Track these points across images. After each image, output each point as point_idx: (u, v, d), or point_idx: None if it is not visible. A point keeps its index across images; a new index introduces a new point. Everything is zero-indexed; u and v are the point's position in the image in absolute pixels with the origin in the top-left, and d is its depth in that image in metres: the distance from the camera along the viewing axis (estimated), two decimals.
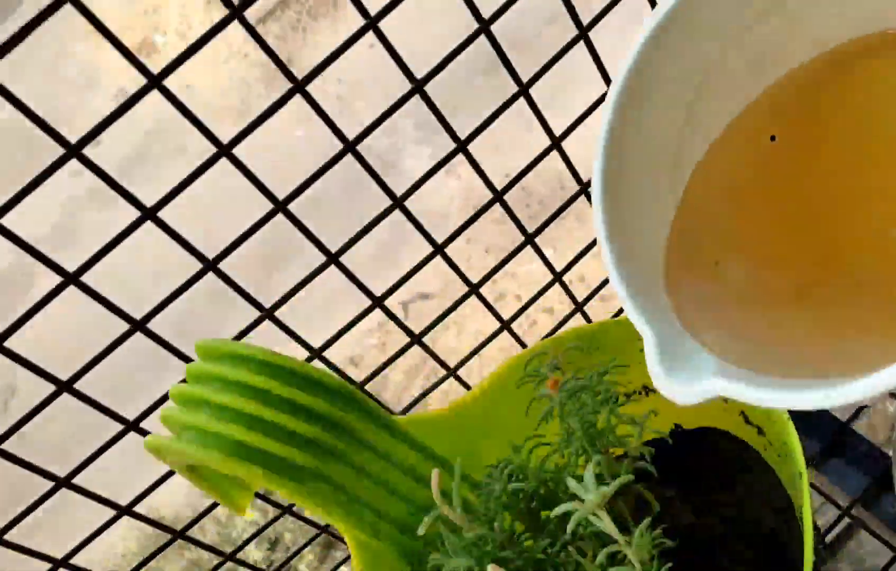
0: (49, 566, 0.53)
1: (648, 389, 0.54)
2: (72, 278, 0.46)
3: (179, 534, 0.56)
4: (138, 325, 0.49)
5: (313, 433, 0.41)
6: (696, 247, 0.36)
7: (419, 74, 0.50)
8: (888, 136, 0.35)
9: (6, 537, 0.50)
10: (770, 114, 0.37)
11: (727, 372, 0.30)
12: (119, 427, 0.52)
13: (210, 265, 0.49)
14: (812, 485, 0.59)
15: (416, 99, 0.50)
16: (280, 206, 0.49)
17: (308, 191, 0.51)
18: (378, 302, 0.53)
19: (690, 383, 0.31)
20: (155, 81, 0.42)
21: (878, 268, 0.33)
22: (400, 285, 0.54)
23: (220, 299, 0.56)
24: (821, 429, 0.60)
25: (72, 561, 0.53)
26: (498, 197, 0.53)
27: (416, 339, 0.54)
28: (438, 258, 0.53)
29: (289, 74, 0.46)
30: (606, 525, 0.39)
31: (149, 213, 0.47)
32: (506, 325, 0.55)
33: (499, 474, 0.44)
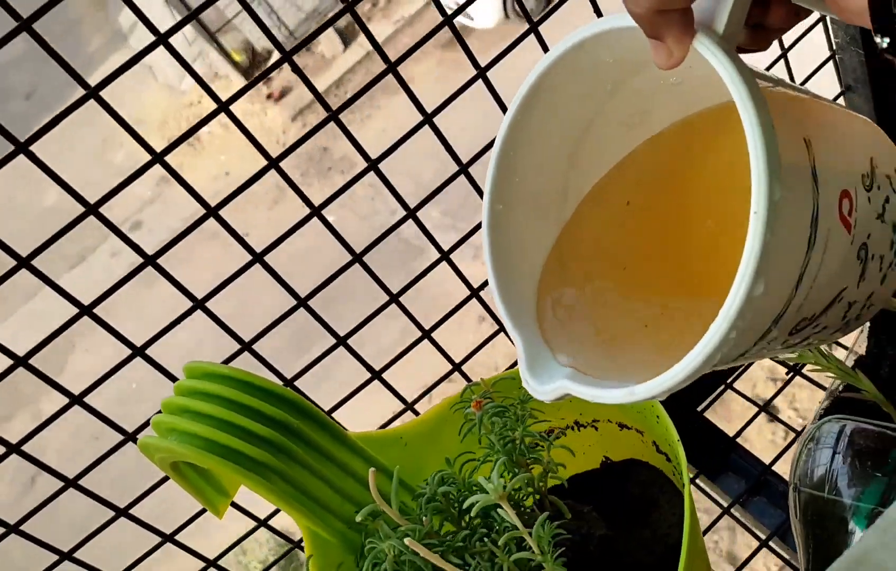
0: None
1: (580, 424, 0.61)
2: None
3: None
4: None
5: (274, 436, 0.50)
6: (566, 270, 0.45)
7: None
8: (720, 186, 0.44)
9: None
10: (636, 167, 0.45)
11: (573, 376, 0.39)
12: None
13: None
14: (736, 520, 0.66)
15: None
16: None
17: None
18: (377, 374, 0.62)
19: (546, 383, 0.40)
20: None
21: (701, 293, 0.42)
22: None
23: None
24: (747, 472, 0.67)
25: None
26: None
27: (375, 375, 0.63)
28: None
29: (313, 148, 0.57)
30: (509, 515, 0.47)
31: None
32: (457, 367, 0.64)
33: (432, 481, 0.52)
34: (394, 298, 0.64)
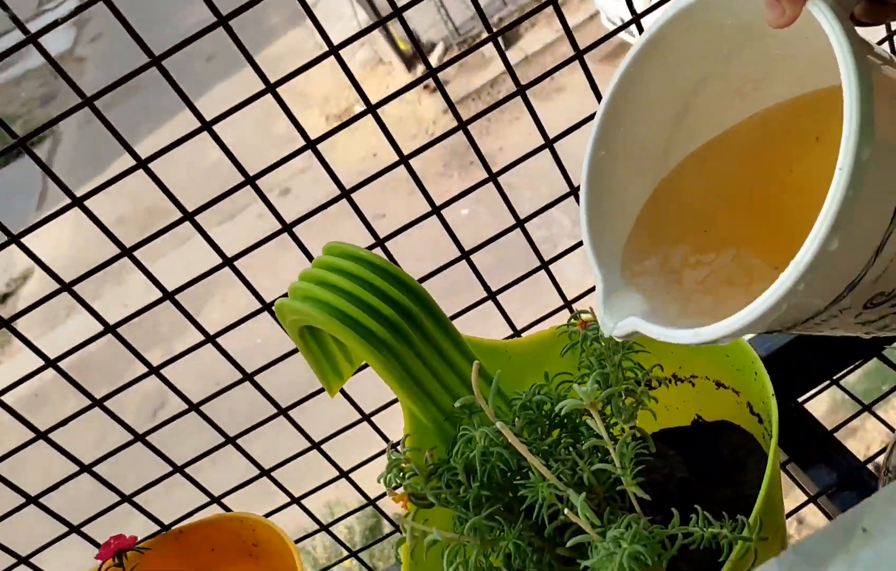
0: None
1: (678, 378, 0.64)
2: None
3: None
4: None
5: (395, 318, 0.55)
6: (655, 223, 0.48)
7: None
8: (822, 170, 0.45)
9: None
10: (742, 138, 0.47)
11: (644, 316, 0.42)
12: None
13: None
14: (822, 510, 0.67)
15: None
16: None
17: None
18: (492, 295, 0.67)
19: (617, 319, 0.43)
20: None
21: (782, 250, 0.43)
22: None
23: None
24: (840, 466, 0.67)
25: None
26: None
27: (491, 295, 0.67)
28: None
29: (483, 162, 0.63)
30: (597, 423, 0.50)
31: None
32: (567, 304, 0.68)
33: (529, 391, 0.56)
34: (491, 296, 0.69)
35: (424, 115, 5.76)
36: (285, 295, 0.58)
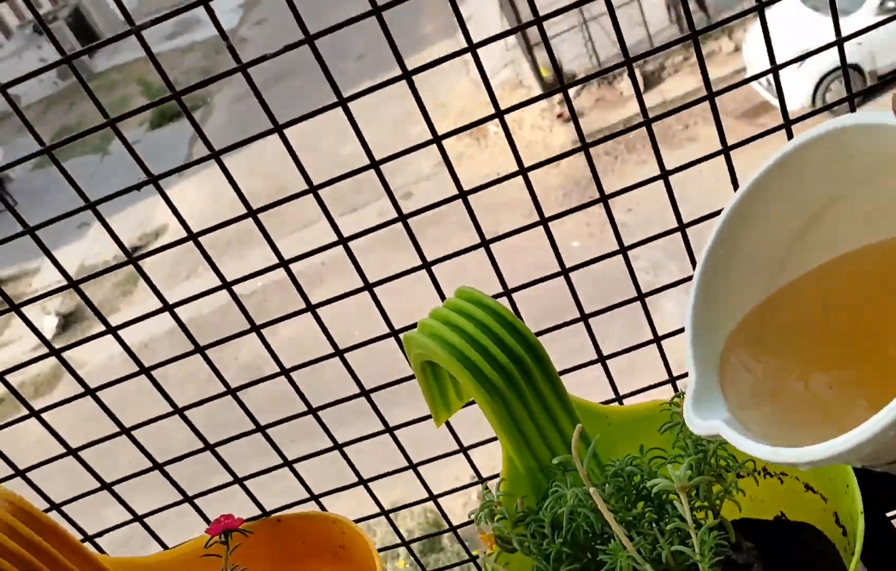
0: None
1: (767, 472, 0.66)
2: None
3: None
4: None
5: (509, 367, 0.60)
6: (762, 334, 0.50)
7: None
8: None
9: None
10: (862, 265, 0.48)
11: (729, 423, 0.44)
12: None
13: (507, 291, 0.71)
14: None
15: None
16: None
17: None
18: (602, 359, 0.71)
19: (704, 419, 0.45)
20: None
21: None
22: None
23: None
24: None
25: None
26: None
27: (601, 359, 0.71)
28: None
29: (598, 184, 0.67)
30: (683, 507, 0.53)
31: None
32: (672, 380, 0.71)
33: (622, 460, 0.60)
34: (601, 359, 0.73)
35: (553, 144, 5.80)
36: (414, 326, 0.63)
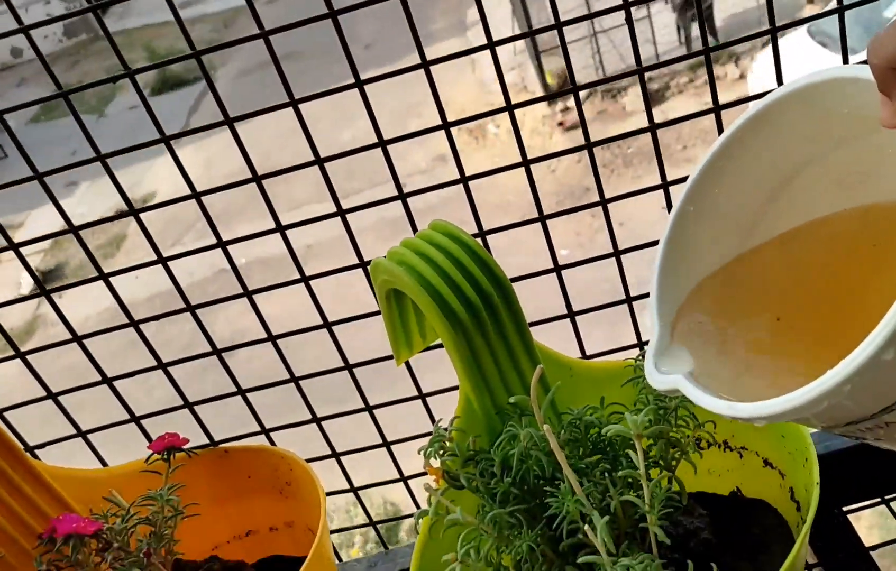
0: None
1: (728, 446, 0.65)
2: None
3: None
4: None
5: (476, 301, 0.58)
6: (727, 292, 0.48)
7: None
8: None
9: None
10: (835, 229, 0.47)
11: (689, 378, 0.43)
12: None
13: None
14: None
15: None
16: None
17: None
18: (572, 314, 0.69)
19: (665, 374, 0.45)
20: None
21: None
22: None
23: None
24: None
25: None
26: None
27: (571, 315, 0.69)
28: None
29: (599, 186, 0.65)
30: (638, 455, 0.52)
31: None
32: (642, 344, 0.69)
33: (580, 410, 0.58)
34: (571, 315, 0.72)
35: (553, 150, 5.79)
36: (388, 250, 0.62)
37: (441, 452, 0.58)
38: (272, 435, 0.78)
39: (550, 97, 0.74)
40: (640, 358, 0.59)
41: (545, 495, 0.54)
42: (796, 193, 0.48)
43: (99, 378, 0.76)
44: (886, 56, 0.35)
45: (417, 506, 0.80)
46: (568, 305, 0.72)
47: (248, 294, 0.73)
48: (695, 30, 5.57)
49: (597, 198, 0.70)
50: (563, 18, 0.64)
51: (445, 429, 0.58)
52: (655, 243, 0.70)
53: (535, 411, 0.56)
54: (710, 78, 0.67)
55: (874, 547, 0.68)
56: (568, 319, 0.72)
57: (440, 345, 0.68)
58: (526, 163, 0.69)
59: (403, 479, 0.81)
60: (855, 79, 0.39)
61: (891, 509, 0.72)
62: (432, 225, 0.62)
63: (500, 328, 0.59)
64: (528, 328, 0.61)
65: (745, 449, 0.63)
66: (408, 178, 6.01)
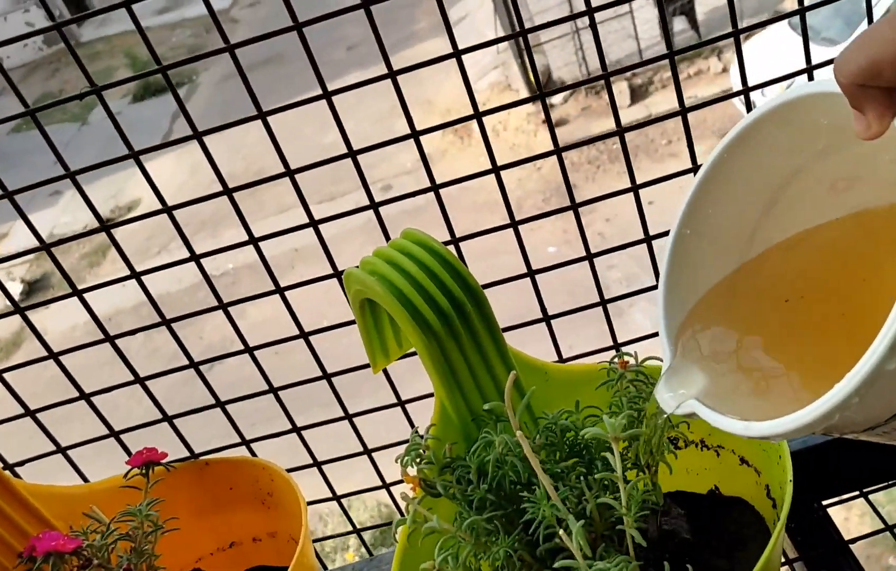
0: None
1: (705, 445, 0.65)
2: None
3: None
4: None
5: (448, 310, 0.58)
6: (732, 307, 0.49)
7: None
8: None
9: None
10: (833, 235, 0.48)
11: (702, 400, 0.44)
12: None
13: None
14: None
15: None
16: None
17: None
18: (547, 318, 0.70)
19: (678, 398, 0.45)
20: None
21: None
22: None
23: None
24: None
25: None
26: None
27: (546, 318, 0.69)
28: None
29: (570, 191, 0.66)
30: (615, 458, 0.52)
31: None
32: (616, 346, 0.70)
33: (556, 414, 0.58)
34: (546, 319, 0.72)
35: (537, 148, 5.79)
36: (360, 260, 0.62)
37: (418, 460, 0.58)
38: (255, 445, 0.78)
39: (516, 104, 0.73)
40: (615, 360, 0.60)
41: (521, 500, 0.54)
42: (790, 203, 0.49)
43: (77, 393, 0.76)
44: (851, 73, 0.36)
45: (402, 513, 0.80)
46: (543, 309, 0.72)
47: (223, 307, 0.73)
48: (677, 24, 5.59)
49: (584, 196, 0.70)
50: (544, 17, 0.65)
51: (421, 437, 0.59)
52: (634, 244, 0.71)
53: (510, 417, 0.56)
54: (675, 81, 0.67)
55: (854, 540, 0.69)
56: (544, 322, 0.72)
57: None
58: (496, 169, 0.69)
59: (386, 486, 0.81)
60: (828, 94, 0.40)
61: (869, 502, 0.72)
62: (404, 233, 0.62)
63: (474, 335, 0.60)
64: (502, 334, 0.61)
65: (721, 447, 0.64)
66: (394, 179, 6.00)
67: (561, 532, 0.50)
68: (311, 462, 0.79)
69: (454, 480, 0.57)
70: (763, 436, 0.39)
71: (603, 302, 0.72)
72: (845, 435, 0.40)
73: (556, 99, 5.62)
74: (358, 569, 0.79)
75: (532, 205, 5.12)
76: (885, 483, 0.73)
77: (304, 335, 0.75)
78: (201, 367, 0.76)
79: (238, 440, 0.78)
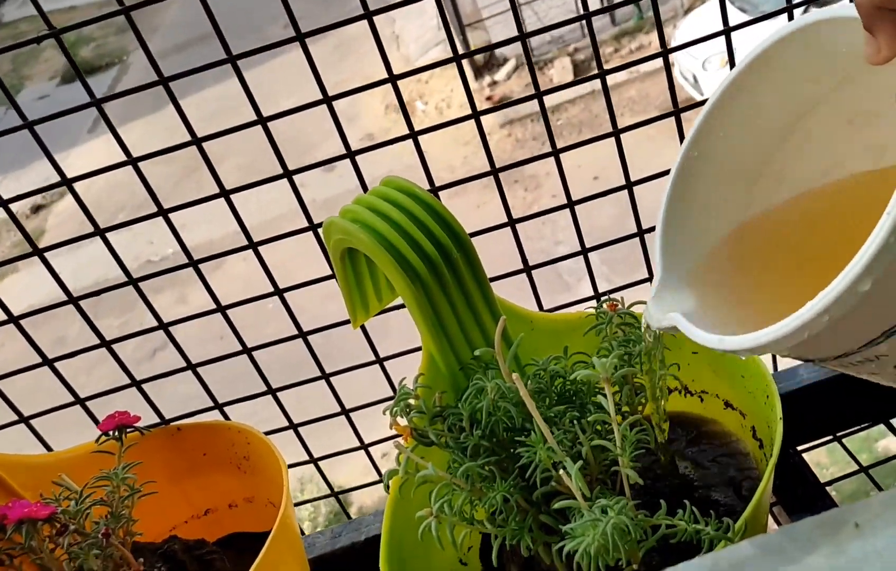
0: None
1: (688, 391, 0.65)
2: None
3: None
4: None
5: (435, 256, 0.57)
6: (740, 240, 0.48)
7: None
8: None
9: None
10: (851, 170, 0.47)
11: (687, 317, 0.44)
12: None
13: None
14: None
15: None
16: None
17: None
18: (528, 269, 0.69)
19: (663, 312, 0.45)
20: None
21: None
22: None
23: None
24: None
25: None
26: None
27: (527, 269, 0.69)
28: None
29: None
30: (608, 400, 0.51)
31: None
32: (597, 295, 0.69)
33: (545, 360, 0.58)
34: (527, 269, 0.70)
35: (482, 125, 5.79)
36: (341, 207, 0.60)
37: (407, 410, 0.57)
38: (228, 409, 0.76)
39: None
40: (601, 307, 0.59)
41: (515, 446, 0.53)
42: (806, 135, 0.48)
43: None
44: None
45: (379, 474, 0.79)
46: (524, 260, 0.72)
47: (193, 265, 0.71)
48: None
49: (529, 173, 0.70)
50: None
51: (410, 388, 0.57)
52: (554, 210, 0.70)
53: (500, 363, 0.56)
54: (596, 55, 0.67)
55: (830, 482, 0.70)
56: (525, 273, 0.72)
57: (397, 308, 0.68)
58: (412, 135, 0.68)
59: (364, 447, 0.80)
60: (849, 19, 0.39)
61: (843, 445, 0.74)
62: (385, 181, 0.60)
63: (461, 282, 0.59)
64: (489, 282, 0.60)
65: (705, 392, 0.64)
66: (339, 160, 5.95)
67: (561, 473, 0.50)
68: (286, 425, 0.77)
69: (446, 428, 0.56)
70: (735, 350, 0.39)
71: (584, 251, 0.71)
72: (819, 363, 0.40)
73: (500, 75, 5.62)
74: (337, 533, 0.77)
75: (478, 182, 5.13)
76: (858, 427, 0.74)
77: (280, 292, 0.73)
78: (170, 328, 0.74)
79: (211, 404, 0.75)
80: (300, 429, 0.78)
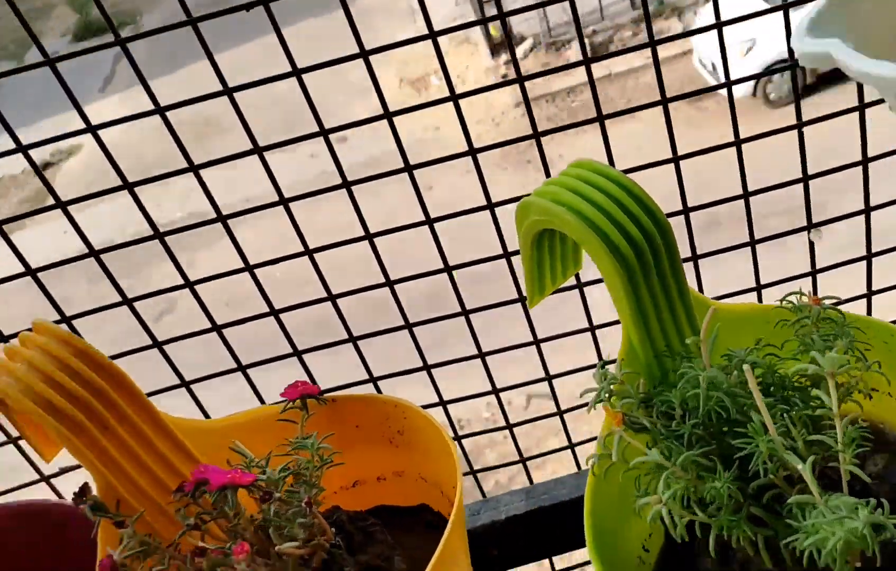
0: None
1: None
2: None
3: None
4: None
5: (642, 244, 0.56)
6: None
7: None
8: None
9: None
10: None
11: (842, 43, 0.42)
12: None
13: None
14: None
15: None
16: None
17: None
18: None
19: (818, 40, 0.43)
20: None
21: None
22: None
23: None
24: None
25: None
26: None
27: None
28: None
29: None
30: (830, 395, 0.51)
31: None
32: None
33: (743, 352, 0.58)
34: (694, 258, 0.70)
35: (495, 103, 5.78)
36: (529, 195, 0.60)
37: (608, 396, 0.57)
38: (380, 384, 0.76)
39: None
40: (789, 300, 0.59)
41: (727, 436, 0.54)
42: None
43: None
44: None
45: (507, 420, 0.78)
46: (692, 245, 0.72)
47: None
48: None
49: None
50: None
51: (611, 371, 0.57)
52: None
53: (704, 353, 0.56)
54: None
55: None
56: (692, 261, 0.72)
57: (562, 289, 0.68)
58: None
59: (496, 391, 0.79)
60: None
61: None
62: (579, 163, 0.60)
63: (661, 271, 0.59)
64: (684, 274, 0.60)
65: (874, 390, 0.64)
66: (349, 131, 5.94)
67: (800, 466, 0.50)
68: (435, 400, 0.77)
69: (655, 415, 0.56)
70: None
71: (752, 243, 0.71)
72: None
73: (518, 53, 5.60)
74: (475, 510, 0.77)
75: (492, 162, 5.13)
76: None
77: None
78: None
79: (366, 377, 0.75)
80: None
